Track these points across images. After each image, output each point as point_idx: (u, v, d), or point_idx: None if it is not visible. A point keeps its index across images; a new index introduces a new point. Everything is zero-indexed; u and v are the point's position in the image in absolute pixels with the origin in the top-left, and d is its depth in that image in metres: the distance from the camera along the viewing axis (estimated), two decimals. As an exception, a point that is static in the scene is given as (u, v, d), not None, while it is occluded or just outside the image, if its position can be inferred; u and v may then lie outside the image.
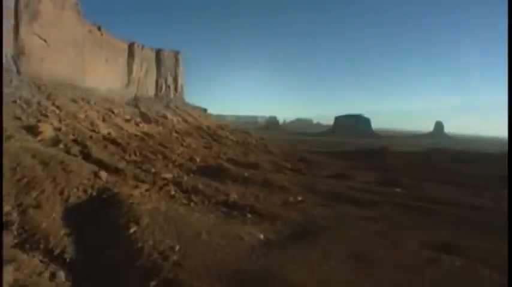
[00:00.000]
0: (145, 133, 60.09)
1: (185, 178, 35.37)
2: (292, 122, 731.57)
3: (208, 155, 56.79)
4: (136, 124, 67.15)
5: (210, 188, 32.29)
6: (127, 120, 65.69)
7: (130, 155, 41.52)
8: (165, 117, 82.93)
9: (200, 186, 31.95)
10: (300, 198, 32.36)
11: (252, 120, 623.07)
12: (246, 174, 40.62)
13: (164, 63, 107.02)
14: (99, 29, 77.68)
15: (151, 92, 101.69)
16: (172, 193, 28.52)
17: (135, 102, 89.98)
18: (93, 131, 48.59)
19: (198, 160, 48.83)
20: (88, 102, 62.71)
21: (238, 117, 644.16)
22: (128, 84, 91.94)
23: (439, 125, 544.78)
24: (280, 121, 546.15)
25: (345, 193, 36.03)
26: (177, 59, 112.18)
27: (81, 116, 52.63)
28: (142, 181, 30.24)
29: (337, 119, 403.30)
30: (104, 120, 57.69)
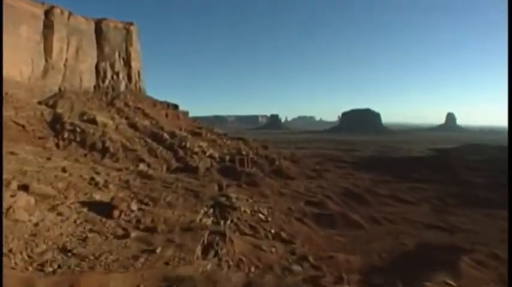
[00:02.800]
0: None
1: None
2: (294, 120, 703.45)
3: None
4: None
5: None
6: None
7: None
8: (93, 122, 50.77)
9: None
10: None
11: (253, 119, 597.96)
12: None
13: (108, 39, 73.95)
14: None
15: (88, 82, 70.18)
16: None
17: (56, 99, 57.54)
18: None
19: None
20: None
21: (238, 117, 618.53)
22: (47, 71, 59.52)
23: (451, 117, 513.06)
24: (282, 119, 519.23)
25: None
26: (129, 33, 78.57)
27: None
28: None
29: (344, 114, 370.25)
30: None
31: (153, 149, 55.17)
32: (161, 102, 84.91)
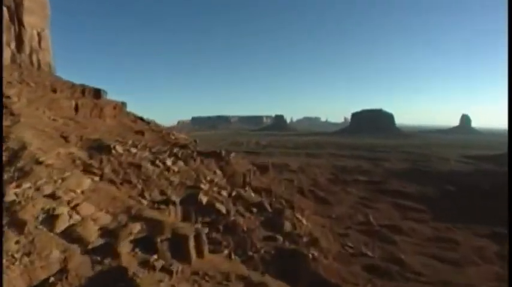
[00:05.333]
0: None
1: None
2: (299, 121, 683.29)
3: None
4: None
5: None
6: None
7: None
8: None
9: None
10: None
11: (257, 120, 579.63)
12: None
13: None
14: None
15: None
16: None
17: None
18: None
19: None
20: None
21: (242, 117, 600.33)
22: None
23: (465, 119, 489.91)
24: (288, 120, 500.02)
25: None
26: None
27: None
28: None
29: (354, 115, 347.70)
30: None
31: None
32: (75, 86, 58.43)
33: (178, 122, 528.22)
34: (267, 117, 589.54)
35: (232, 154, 56.28)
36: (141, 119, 66.91)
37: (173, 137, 59.06)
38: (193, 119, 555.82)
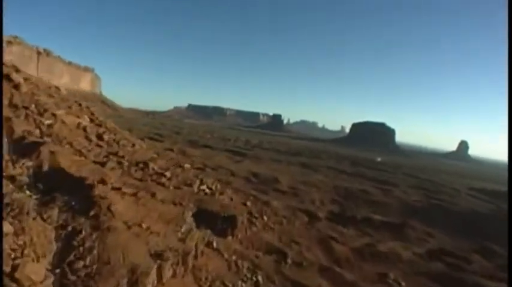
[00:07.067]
0: None
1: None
2: (296, 124, 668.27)
3: None
4: None
5: None
6: None
7: None
8: None
9: None
10: None
11: (254, 116, 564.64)
12: None
13: None
14: None
15: None
16: None
17: None
18: None
19: None
20: None
21: (238, 111, 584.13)
22: None
23: (463, 145, 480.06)
24: (284, 121, 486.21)
25: None
26: None
27: None
28: None
29: (354, 126, 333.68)
30: None
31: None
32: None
33: (175, 108, 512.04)
34: (263, 115, 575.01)
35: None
36: None
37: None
38: (190, 106, 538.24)
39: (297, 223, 36.54)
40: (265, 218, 35.71)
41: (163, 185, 29.38)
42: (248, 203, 37.67)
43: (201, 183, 34.55)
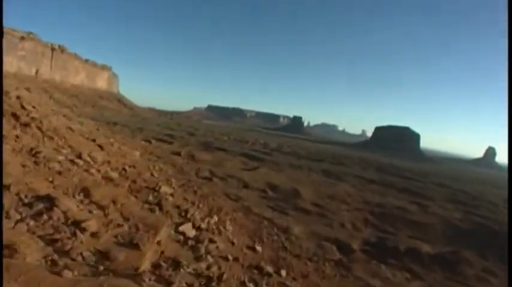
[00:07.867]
0: None
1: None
2: (316, 126, 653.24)
3: None
4: None
5: None
6: None
7: None
8: None
9: None
10: None
11: (274, 118, 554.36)
12: None
13: None
14: None
15: None
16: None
17: None
18: None
19: None
20: None
21: (259, 113, 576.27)
22: None
23: (490, 151, 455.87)
24: (305, 123, 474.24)
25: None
26: None
27: None
28: None
29: (377, 129, 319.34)
30: None
31: None
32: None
33: (194, 108, 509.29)
34: (284, 117, 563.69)
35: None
36: None
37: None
38: (209, 107, 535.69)
39: (328, 268, 26.60)
40: (283, 273, 22.71)
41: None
42: (258, 248, 25.83)
43: (180, 223, 23.03)
